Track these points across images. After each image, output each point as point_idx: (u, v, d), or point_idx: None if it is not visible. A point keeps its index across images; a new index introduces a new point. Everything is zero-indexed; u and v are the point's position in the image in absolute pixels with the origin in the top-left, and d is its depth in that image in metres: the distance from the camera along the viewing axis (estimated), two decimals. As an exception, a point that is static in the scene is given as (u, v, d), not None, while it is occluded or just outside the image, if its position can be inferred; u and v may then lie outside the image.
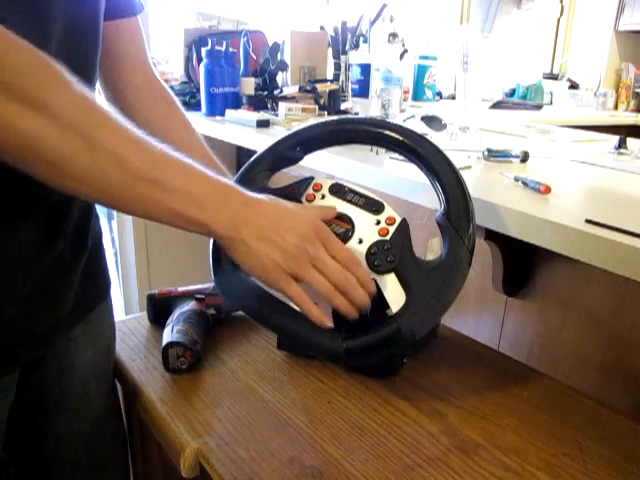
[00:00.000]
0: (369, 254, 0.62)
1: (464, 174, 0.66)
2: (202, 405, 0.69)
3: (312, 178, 0.70)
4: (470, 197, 0.65)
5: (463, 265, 0.61)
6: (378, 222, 0.64)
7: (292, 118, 1.38)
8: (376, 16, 1.89)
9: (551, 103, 3.19)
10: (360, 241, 0.63)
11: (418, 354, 0.81)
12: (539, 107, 2.70)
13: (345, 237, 0.63)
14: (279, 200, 0.58)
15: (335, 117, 0.74)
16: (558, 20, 3.56)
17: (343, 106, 1.56)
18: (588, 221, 0.62)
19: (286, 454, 0.61)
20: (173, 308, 0.85)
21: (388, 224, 0.63)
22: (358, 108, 1.62)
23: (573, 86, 3.36)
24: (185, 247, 1.91)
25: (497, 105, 2.54)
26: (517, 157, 0.97)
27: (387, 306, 0.61)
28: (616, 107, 3.33)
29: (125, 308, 1.99)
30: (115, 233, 1.93)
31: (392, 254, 0.61)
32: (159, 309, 0.88)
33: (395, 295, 0.60)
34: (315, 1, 2.44)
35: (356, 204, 0.66)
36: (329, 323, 0.57)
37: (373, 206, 0.65)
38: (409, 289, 0.60)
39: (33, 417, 0.72)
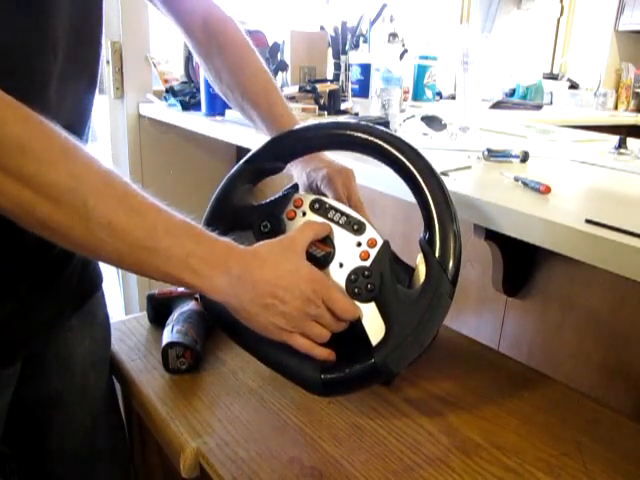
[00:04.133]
0: (349, 281, 0.60)
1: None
2: (202, 405, 0.69)
3: (294, 192, 0.67)
4: (459, 230, 0.61)
5: (444, 298, 0.59)
6: (359, 244, 0.62)
7: (292, 118, 1.38)
8: (376, 16, 1.89)
9: (551, 103, 3.19)
10: (340, 265, 0.61)
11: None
12: (539, 107, 2.69)
13: (325, 261, 0.61)
14: (277, 255, 0.55)
15: (313, 122, 0.70)
16: (558, 20, 3.56)
17: (343, 106, 1.55)
18: (588, 221, 0.62)
19: (286, 454, 0.61)
20: (173, 308, 0.86)
21: (369, 246, 0.61)
22: (358, 108, 1.62)
23: (573, 86, 3.36)
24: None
25: (497, 105, 2.54)
26: (517, 157, 0.97)
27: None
28: (616, 107, 3.33)
29: (125, 308, 1.99)
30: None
31: (372, 282, 0.59)
32: (159, 309, 0.88)
33: (374, 326, 0.59)
34: (315, 1, 2.44)
35: (337, 223, 0.63)
36: (333, 356, 0.59)
37: (355, 225, 0.62)
38: (388, 322, 0.58)
39: (35, 411, 0.73)
